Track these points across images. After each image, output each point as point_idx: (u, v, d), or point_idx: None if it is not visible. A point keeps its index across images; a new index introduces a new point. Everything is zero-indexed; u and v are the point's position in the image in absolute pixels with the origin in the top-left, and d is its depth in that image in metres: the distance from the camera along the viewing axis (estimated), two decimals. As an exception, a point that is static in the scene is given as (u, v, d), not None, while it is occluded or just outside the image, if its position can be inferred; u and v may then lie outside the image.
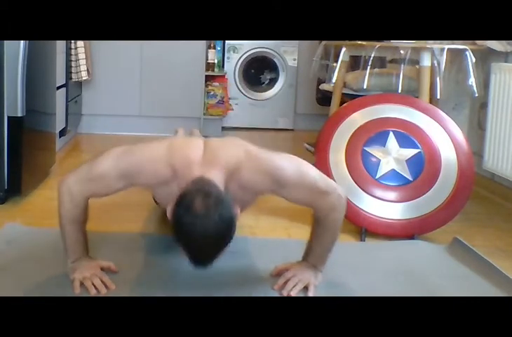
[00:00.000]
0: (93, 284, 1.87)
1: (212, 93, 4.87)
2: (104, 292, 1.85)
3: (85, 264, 1.93)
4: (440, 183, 2.54)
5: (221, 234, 1.63)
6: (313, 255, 1.98)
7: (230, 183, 1.79)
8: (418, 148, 2.57)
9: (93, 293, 1.84)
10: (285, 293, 1.89)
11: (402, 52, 3.09)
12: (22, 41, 2.62)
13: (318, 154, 2.62)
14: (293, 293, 1.89)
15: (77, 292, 1.84)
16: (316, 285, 1.93)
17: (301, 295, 1.90)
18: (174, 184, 1.79)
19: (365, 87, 3.21)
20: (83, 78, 4.24)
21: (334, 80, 3.57)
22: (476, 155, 3.01)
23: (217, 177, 1.74)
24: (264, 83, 5.24)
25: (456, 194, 2.53)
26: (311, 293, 1.89)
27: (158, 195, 2.03)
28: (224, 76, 4.98)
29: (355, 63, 3.53)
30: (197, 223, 1.59)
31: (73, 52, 4.09)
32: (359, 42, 3.23)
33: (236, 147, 1.86)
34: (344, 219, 2.55)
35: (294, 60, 5.07)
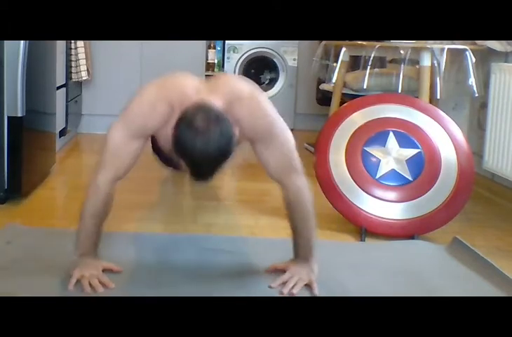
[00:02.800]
0: (90, 284, 1.87)
1: (212, 93, 4.86)
2: (100, 291, 1.85)
3: (88, 262, 1.93)
4: (440, 183, 2.54)
5: (222, 149, 1.67)
6: (300, 248, 1.99)
7: (227, 112, 1.79)
8: (418, 148, 2.57)
9: (87, 291, 1.84)
10: (285, 292, 1.89)
11: (402, 52, 3.09)
12: (22, 41, 2.62)
13: (318, 154, 2.62)
14: (295, 292, 1.89)
15: (70, 289, 1.84)
16: (315, 280, 1.93)
17: (305, 293, 1.90)
18: (174, 118, 1.79)
19: (365, 87, 3.21)
20: (83, 78, 4.24)
21: (334, 80, 3.57)
22: (476, 155, 3.01)
23: (216, 102, 1.77)
24: (264, 83, 5.24)
25: (456, 194, 2.53)
26: (316, 290, 1.89)
27: (163, 141, 2.00)
28: (224, 76, 4.98)
29: (355, 63, 3.54)
30: (198, 138, 1.64)
31: (73, 52, 4.10)
32: (359, 42, 3.24)
33: (245, 83, 1.90)
34: (344, 219, 2.56)
35: (294, 60, 5.07)
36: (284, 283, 1.93)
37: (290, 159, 1.92)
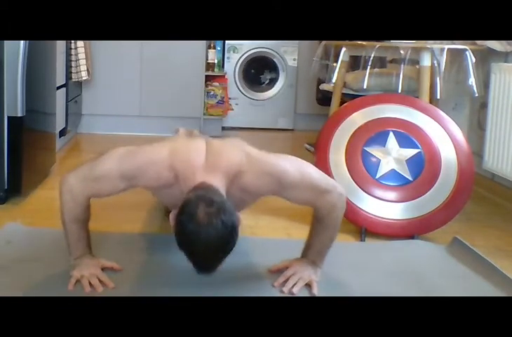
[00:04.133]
0: (90, 283, 1.88)
1: (212, 93, 4.87)
2: (100, 290, 1.85)
3: (87, 262, 1.94)
4: (440, 183, 2.54)
5: (224, 241, 1.65)
6: (313, 251, 1.99)
7: (231, 187, 1.80)
8: (418, 148, 2.57)
9: (88, 291, 1.84)
10: (285, 291, 1.89)
11: (402, 52, 3.09)
12: (22, 41, 2.62)
13: (318, 154, 2.62)
14: (295, 291, 1.89)
15: (70, 289, 1.85)
16: (317, 281, 1.94)
17: (305, 292, 1.90)
18: (176, 187, 1.81)
19: (365, 87, 3.21)
20: (83, 78, 4.24)
21: (334, 80, 3.57)
22: (476, 155, 3.01)
23: (218, 182, 1.76)
24: (264, 83, 5.24)
25: (456, 194, 2.53)
26: (315, 290, 1.90)
27: (159, 197, 2.04)
28: (224, 76, 4.98)
29: (355, 63, 3.53)
30: (200, 231, 1.62)
31: (73, 52, 4.09)
32: (359, 42, 3.23)
33: (237, 150, 1.86)
34: (344, 219, 2.55)
35: (294, 60, 5.07)
36: (285, 281, 1.93)
37: (314, 187, 1.86)
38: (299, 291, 1.90)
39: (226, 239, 1.66)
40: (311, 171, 1.88)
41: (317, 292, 1.89)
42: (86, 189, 1.85)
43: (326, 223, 1.93)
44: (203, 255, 1.66)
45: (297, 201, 1.91)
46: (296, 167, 1.85)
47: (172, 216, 1.72)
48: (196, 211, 1.63)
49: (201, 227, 1.62)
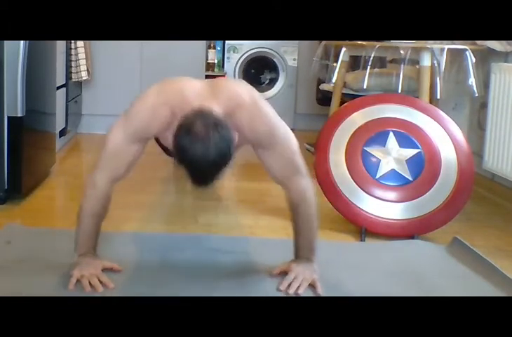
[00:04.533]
0: (90, 283, 1.87)
1: (212, 93, 4.86)
2: (100, 290, 1.85)
3: (88, 261, 1.94)
4: (440, 183, 2.54)
5: (221, 154, 1.67)
6: (303, 248, 2.00)
7: (227, 120, 1.79)
8: (418, 148, 2.57)
9: (88, 291, 1.84)
10: (291, 292, 1.89)
11: (402, 52, 3.09)
12: (22, 41, 2.62)
13: (318, 154, 2.62)
14: (300, 292, 1.89)
15: (71, 288, 1.85)
16: (318, 279, 1.94)
17: (309, 292, 1.90)
18: (176, 122, 1.79)
19: (365, 87, 3.21)
20: (83, 78, 4.24)
21: (334, 80, 3.57)
22: (476, 155, 3.01)
23: (216, 108, 1.77)
24: (264, 83, 5.24)
25: (456, 194, 2.53)
26: (319, 290, 1.90)
27: (167, 142, 2.02)
28: (224, 76, 4.98)
29: (355, 63, 3.54)
30: (198, 144, 1.64)
31: (73, 52, 4.10)
32: (359, 42, 3.23)
33: (245, 88, 1.91)
34: (344, 219, 2.56)
35: (294, 60, 5.07)
36: (289, 285, 1.93)
37: (292, 162, 1.92)
38: (304, 292, 1.90)
39: (223, 151, 1.67)
40: (296, 149, 1.92)
41: (321, 291, 1.89)
42: (107, 172, 1.89)
43: (302, 214, 1.94)
44: (200, 167, 1.67)
45: (271, 167, 1.92)
46: (286, 134, 1.90)
47: (170, 133, 1.75)
48: (193, 125, 1.66)
49: (199, 139, 1.64)
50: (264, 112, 1.88)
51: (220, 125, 1.68)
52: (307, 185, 1.94)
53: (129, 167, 1.92)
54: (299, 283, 1.92)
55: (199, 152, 1.64)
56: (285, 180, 1.93)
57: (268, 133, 1.86)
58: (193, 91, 1.84)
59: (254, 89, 1.95)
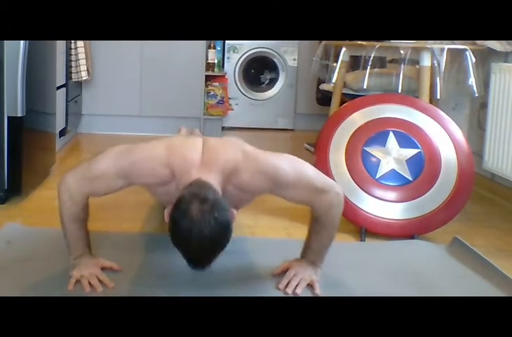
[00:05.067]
0: (90, 283, 1.88)
1: (212, 93, 4.87)
2: (99, 290, 1.86)
3: (86, 262, 1.94)
4: (440, 183, 2.54)
5: (218, 238, 1.66)
6: (312, 252, 1.99)
7: (227, 185, 1.80)
8: (418, 148, 2.57)
9: (87, 291, 1.85)
10: (289, 292, 1.89)
11: (402, 52, 3.09)
12: (22, 41, 2.62)
13: (318, 154, 2.62)
14: (298, 292, 1.89)
15: (70, 289, 1.85)
16: (318, 281, 1.94)
17: (307, 292, 1.90)
18: (173, 184, 1.81)
19: (365, 87, 3.21)
20: (83, 78, 4.24)
21: (334, 80, 3.57)
22: (476, 155, 3.01)
23: (214, 179, 1.76)
24: (264, 83, 5.24)
25: (456, 194, 2.53)
26: (317, 290, 1.90)
27: (156, 194, 2.04)
28: (224, 76, 4.98)
29: (355, 63, 3.53)
30: (193, 228, 1.62)
31: (73, 52, 4.10)
32: (359, 42, 3.23)
33: (234, 148, 1.86)
34: (344, 219, 2.55)
35: (294, 60, 5.07)
36: (288, 283, 1.93)
37: (312, 187, 1.86)
38: (302, 292, 1.90)
39: (220, 236, 1.66)
40: (307, 170, 1.88)
41: (319, 292, 1.89)
42: (84, 187, 1.86)
43: (324, 223, 1.93)
44: (196, 252, 1.67)
45: (293, 200, 1.91)
46: (292, 166, 1.85)
47: (166, 213, 1.73)
48: (189, 208, 1.64)
49: (194, 224, 1.62)
50: (261, 162, 1.83)
51: (217, 207, 1.65)
52: (332, 201, 1.89)
53: (106, 194, 1.89)
54: (298, 282, 1.92)
55: (195, 240, 1.63)
56: (311, 203, 1.90)
57: (274, 181, 1.82)
58: (194, 160, 1.80)
59: (242, 142, 1.91)
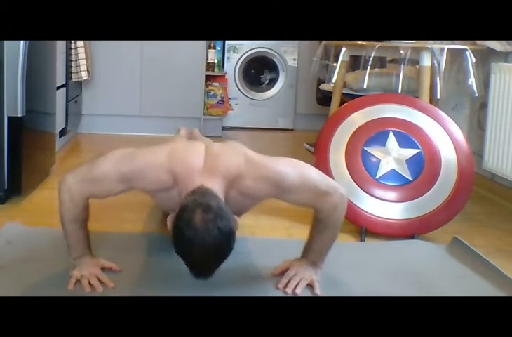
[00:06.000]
0: (90, 283, 1.88)
1: (212, 93, 4.87)
2: (99, 290, 1.86)
3: (86, 262, 1.94)
4: (440, 183, 2.54)
5: (221, 247, 1.67)
6: (313, 252, 1.99)
7: (230, 191, 1.81)
8: (418, 148, 2.57)
9: (87, 291, 1.85)
10: (289, 292, 1.89)
11: (402, 52, 3.09)
12: (22, 41, 2.62)
13: (318, 154, 2.62)
14: (298, 291, 1.89)
15: (70, 289, 1.85)
16: (318, 281, 1.94)
17: (307, 292, 1.90)
18: (175, 190, 1.81)
19: (365, 87, 3.21)
20: (83, 78, 4.24)
21: (334, 80, 3.57)
22: (476, 155, 3.00)
23: (216, 186, 1.76)
24: (264, 83, 5.24)
25: (456, 194, 2.53)
26: (317, 290, 1.90)
27: (157, 200, 2.04)
28: (224, 76, 4.98)
29: (355, 63, 3.53)
30: (197, 237, 1.63)
31: (73, 52, 4.10)
32: (359, 42, 3.23)
33: (237, 153, 1.86)
34: (344, 219, 2.55)
35: (294, 60, 5.07)
36: (288, 282, 1.93)
37: (316, 189, 1.85)
38: (302, 292, 1.90)
39: (223, 245, 1.66)
40: (310, 173, 1.87)
41: (319, 292, 1.89)
42: (84, 189, 1.85)
43: (326, 224, 1.92)
44: (200, 261, 1.68)
45: (297, 203, 1.91)
46: (295, 170, 1.84)
47: (169, 221, 1.73)
48: (192, 217, 1.64)
49: (198, 234, 1.62)
50: (264, 167, 1.83)
51: (220, 216, 1.66)
52: (336, 203, 1.88)
53: (106, 196, 1.90)
54: (298, 281, 1.93)
55: (198, 250, 1.64)
56: (315, 206, 1.90)
57: (277, 186, 1.82)
58: (196, 168, 1.80)
59: (244, 148, 1.91)
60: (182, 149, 1.89)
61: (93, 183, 1.84)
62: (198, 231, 1.62)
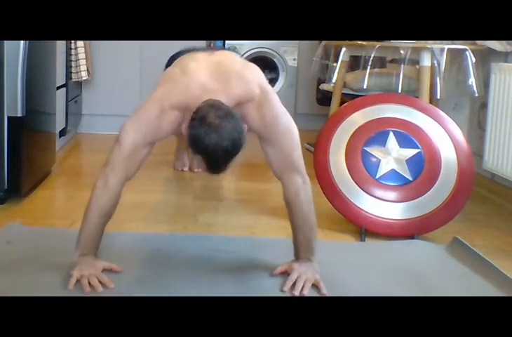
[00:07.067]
0: (89, 283, 1.87)
1: (212, 92, 4.86)
2: (99, 290, 1.85)
3: (88, 262, 1.94)
4: (440, 183, 2.54)
5: (234, 143, 1.77)
6: (302, 248, 2.00)
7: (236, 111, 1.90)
8: (418, 148, 2.57)
9: (87, 291, 1.84)
10: (297, 294, 1.89)
11: (402, 52, 3.09)
12: (22, 41, 2.62)
13: (318, 154, 2.62)
14: (305, 293, 1.89)
15: (70, 288, 1.85)
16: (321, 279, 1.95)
17: (314, 293, 1.90)
18: (186, 119, 1.87)
19: (365, 87, 3.22)
20: (83, 78, 4.24)
21: (334, 80, 3.57)
22: (476, 155, 3.01)
23: (224, 100, 1.87)
24: (264, 83, 5.24)
25: (456, 194, 2.53)
26: (324, 290, 1.91)
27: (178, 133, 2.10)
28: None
29: (355, 63, 3.54)
30: (212, 134, 1.75)
31: (73, 52, 4.10)
32: (359, 42, 3.24)
33: (255, 80, 2.00)
34: (344, 219, 2.56)
35: (294, 60, 5.07)
36: (293, 285, 1.93)
37: (290, 158, 1.97)
38: (308, 293, 1.90)
39: (236, 139, 1.77)
40: (296, 145, 2.00)
41: (326, 292, 1.89)
42: (121, 173, 1.94)
43: (296, 210, 1.97)
44: (215, 156, 1.76)
45: (271, 161, 1.99)
46: (290, 130, 2.01)
47: (184, 126, 1.84)
48: (206, 115, 1.77)
49: (212, 129, 1.75)
50: (272, 104, 1.97)
51: (231, 115, 1.80)
52: (303, 183, 1.98)
53: (139, 167, 1.99)
54: (303, 283, 1.93)
55: (213, 142, 1.74)
56: (282, 175, 1.98)
57: (272, 123, 1.94)
58: (200, 86, 1.90)
59: (262, 75, 2.07)
60: (177, 78, 2.02)
61: (126, 162, 1.93)
62: (212, 126, 1.74)
